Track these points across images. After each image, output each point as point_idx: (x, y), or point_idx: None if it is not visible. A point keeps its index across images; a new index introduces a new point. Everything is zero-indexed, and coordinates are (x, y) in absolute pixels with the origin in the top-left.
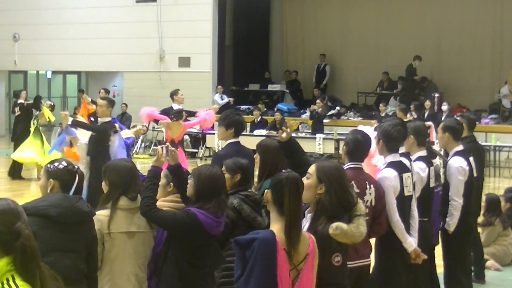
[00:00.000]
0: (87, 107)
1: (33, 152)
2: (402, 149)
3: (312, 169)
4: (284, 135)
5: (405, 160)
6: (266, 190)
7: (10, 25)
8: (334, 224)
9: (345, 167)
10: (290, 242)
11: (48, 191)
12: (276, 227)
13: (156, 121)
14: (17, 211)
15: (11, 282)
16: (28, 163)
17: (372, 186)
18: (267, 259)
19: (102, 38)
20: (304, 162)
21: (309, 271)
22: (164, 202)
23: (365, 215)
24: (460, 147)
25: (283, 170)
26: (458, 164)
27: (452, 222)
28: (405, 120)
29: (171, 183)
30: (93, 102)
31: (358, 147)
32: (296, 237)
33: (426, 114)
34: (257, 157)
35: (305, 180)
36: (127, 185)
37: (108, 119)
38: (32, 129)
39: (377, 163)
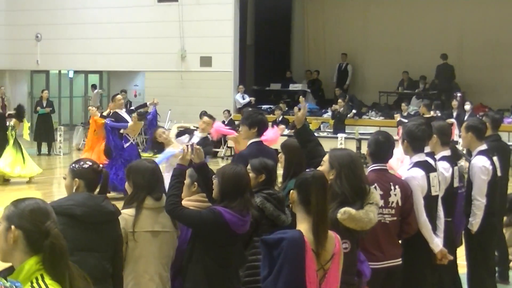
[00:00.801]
0: (96, 122)
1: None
2: (427, 149)
3: (326, 156)
4: (300, 113)
5: (430, 160)
6: (291, 191)
7: (33, 25)
8: (343, 209)
9: (369, 169)
10: (318, 241)
11: (74, 190)
12: (304, 227)
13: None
14: (46, 211)
15: (40, 281)
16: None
17: (397, 186)
18: (296, 259)
19: (124, 37)
20: (319, 153)
21: (335, 271)
22: (189, 201)
23: (378, 205)
24: (483, 147)
25: (307, 170)
26: (481, 163)
27: (475, 222)
28: (427, 116)
29: (195, 183)
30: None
31: (380, 149)
32: (324, 236)
33: (455, 114)
34: (281, 157)
35: (319, 168)
36: (151, 187)
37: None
38: (10, 140)
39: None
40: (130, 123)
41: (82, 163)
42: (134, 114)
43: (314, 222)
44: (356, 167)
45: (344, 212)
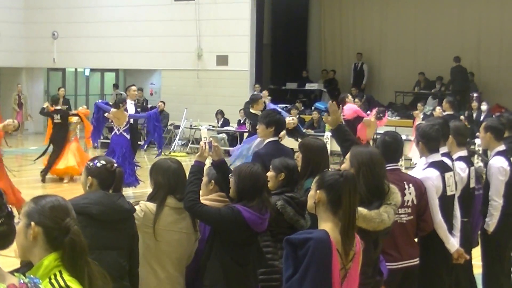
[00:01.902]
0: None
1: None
2: (444, 149)
3: (348, 154)
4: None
5: (446, 160)
6: (318, 191)
7: (49, 23)
8: None
9: None
10: (348, 242)
11: (87, 188)
12: (328, 226)
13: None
14: (66, 208)
15: (58, 277)
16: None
17: (411, 185)
18: (323, 260)
19: (141, 36)
20: None
21: (356, 270)
22: (207, 200)
23: (396, 207)
24: (502, 147)
25: (326, 169)
26: (499, 164)
27: (491, 222)
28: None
29: (213, 181)
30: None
31: (388, 149)
32: (353, 237)
33: (475, 115)
34: (298, 156)
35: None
36: (172, 187)
37: None
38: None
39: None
40: (113, 109)
41: (96, 161)
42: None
43: (345, 223)
44: (376, 165)
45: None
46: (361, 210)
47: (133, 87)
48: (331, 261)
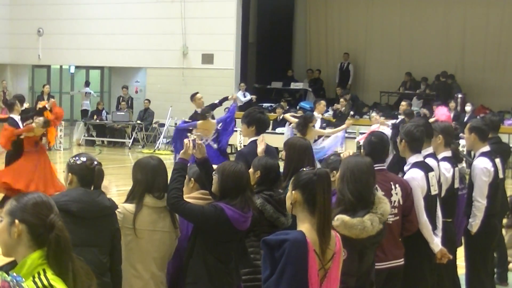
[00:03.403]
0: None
1: None
2: (430, 150)
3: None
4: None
5: (431, 161)
6: (293, 192)
7: (35, 20)
8: (337, 216)
9: None
10: (324, 241)
11: (67, 185)
12: (306, 227)
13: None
14: (49, 204)
15: (42, 276)
16: None
17: (397, 185)
18: (298, 261)
19: (126, 33)
20: None
21: (336, 270)
22: (190, 198)
23: (383, 217)
24: (486, 148)
25: (304, 168)
26: (483, 165)
27: (474, 223)
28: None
29: (193, 179)
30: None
31: (374, 149)
32: (328, 235)
33: (452, 115)
34: (283, 154)
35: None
36: (149, 183)
37: None
38: None
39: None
40: (199, 122)
41: (76, 158)
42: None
43: (320, 221)
44: (360, 172)
45: (337, 219)
46: (343, 217)
47: (198, 95)
48: (307, 262)
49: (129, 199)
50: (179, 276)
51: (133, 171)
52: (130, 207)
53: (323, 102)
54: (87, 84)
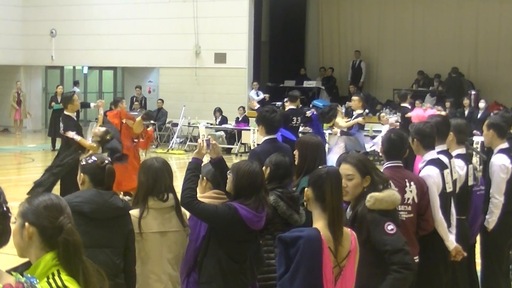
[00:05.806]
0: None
1: None
2: (442, 147)
3: (348, 169)
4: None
5: (443, 158)
6: (306, 189)
7: (48, 21)
8: (367, 197)
9: (384, 166)
10: (335, 238)
11: (80, 185)
12: (320, 224)
13: None
14: (60, 206)
15: (56, 277)
16: None
17: (412, 183)
18: (313, 258)
19: (139, 34)
20: None
21: (351, 268)
22: (204, 198)
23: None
24: (505, 145)
25: (320, 166)
26: (501, 162)
27: (491, 220)
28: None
29: (205, 178)
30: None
31: (392, 146)
32: (340, 233)
33: (466, 112)
34: (296, 153)
35: (348, 183)
36: (150, 186)
37: None
38: None
39: None
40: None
41: (89, 158)
42: None
43: (330, 218)
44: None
45: (370, 198)
46: (374, 194)
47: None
48: (321, 259)
49: (134, 203)
50: (190, 274)
51: (138, 172)
52: (135, 212)
53: (354, 98)
54: (75, 83)
